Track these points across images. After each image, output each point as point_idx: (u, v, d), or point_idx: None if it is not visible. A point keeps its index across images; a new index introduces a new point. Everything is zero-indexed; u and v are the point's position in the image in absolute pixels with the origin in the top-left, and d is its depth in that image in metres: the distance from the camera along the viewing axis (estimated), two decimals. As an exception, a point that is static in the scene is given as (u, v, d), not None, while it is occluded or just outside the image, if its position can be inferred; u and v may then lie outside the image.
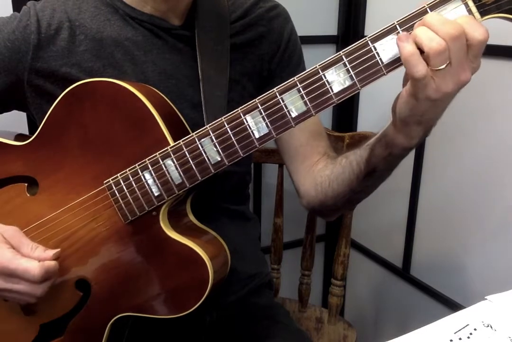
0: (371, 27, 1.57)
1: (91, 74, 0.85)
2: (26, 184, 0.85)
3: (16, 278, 0.74)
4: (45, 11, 0.86)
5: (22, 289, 0.75)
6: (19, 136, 0.92)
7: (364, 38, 0.64)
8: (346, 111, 1.67)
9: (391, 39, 0.63)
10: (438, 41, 0.59)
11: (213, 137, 0.73)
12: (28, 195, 0.85)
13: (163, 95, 0.82)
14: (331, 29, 1.62)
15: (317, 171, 0.95)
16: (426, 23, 0.61)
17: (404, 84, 0.68)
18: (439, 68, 0.61)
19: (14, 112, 0.97)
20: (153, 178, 0.77)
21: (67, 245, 0.83)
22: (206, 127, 0.73)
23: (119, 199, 0.79)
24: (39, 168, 0.84)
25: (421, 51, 0.61)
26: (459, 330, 0.63)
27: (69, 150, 0.82)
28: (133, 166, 0.78)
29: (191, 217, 0.85)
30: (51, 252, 0.76)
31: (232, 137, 0.72)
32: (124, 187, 0.79)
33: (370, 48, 0.64)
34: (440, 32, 0.59)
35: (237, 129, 0.72)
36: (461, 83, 0.63)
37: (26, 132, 1.22)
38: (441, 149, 1.40)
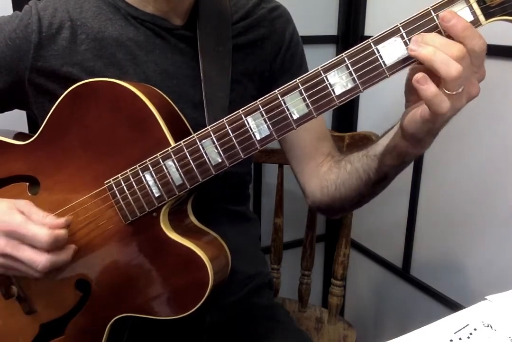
0: (371, 27, 1.57)
1: (92, 74, 0.85)
2: (27, 183, 0.85)
3: (23, 244, 0.73)
4: (47, 10, 0.86)
5: (27, 257, 0.73)
6: (19, 135, 0.92)
7: (367, 40, 0.64)
8: (346, 111, 1.67)
9: (394, 41, 0.63)
10: (457, 68, 0.59)
11: (214, 139, 0.73)
12: (29, 194, 0.85)
13: (164, 95, 0.82)
14: (331, 29, 1.62)
15: (322, 173, 0.96)
16: (430, 41, 0.60)
17: (407, 96, 0.69)
18: (459, 91, 0.62)
19: (14, 111, 0.97)
20: (154, 179, 0.77)
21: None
22: (207, 129, 0.73)
23: (120, 199, 0.79)
24: (41, 168, 0.84)
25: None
26: (459, 330, 0.63)
27: (70, 150, 0.82)
28: (134, 167, 0.78)
29: (192, 218, 0.85)
30: (62, 219, 0.75)
31: (233, 139, 0.72)
32: (124, 188, 0.79)
33: (373, 50, 0.64)
34: (448, 54, 0.59)
35: (239, 131, 0.72)
36: (472, 97, 0.64)
37: (26, 131, 1.22)
38: (441, 149, 1.40)
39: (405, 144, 0.73)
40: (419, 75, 0.61)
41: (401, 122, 0.70)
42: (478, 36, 0.61)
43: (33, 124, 1.21)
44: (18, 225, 0.73)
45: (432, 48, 0.60)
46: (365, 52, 0.64)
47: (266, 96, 0.70)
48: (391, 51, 0.63)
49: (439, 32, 0.62)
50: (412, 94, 0.68)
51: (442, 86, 0.62)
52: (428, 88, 0.61)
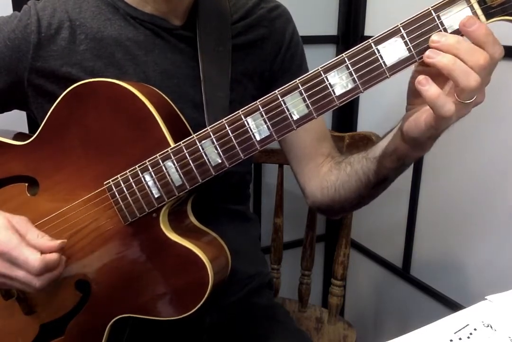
0: (371, 27, 1.57)
1: (91, 74, 0.85)
2: (26, 184, 0.85)
3: (17, 265, 0.73)
4: (46, 11, 0.86)
5: (21, 278, 0.74)
6: (19, 135, 0.91)
7: (367, 41, 0.64)
8: (346, 111, 1.67)
9: (394, 41, 0.63)
10: (476, 79, 0.59)
11: (214, 139, 0.73)
12: (29, 195, 0.85)
13: (164, 96, 0.81)
14: (331, 29, 1.61)
15: (322, 174, 0.96)
16: (453, 49, 0.59)
17: (409, 99, 0.69)
18: (470, 101, 0.61)
19: (14, 111, 0.96)
20: (153, 180, 0.77)
21: (68, 246, 0.82)
22: (207, 129, 0.73)
23: (119, 200, 0.79)
24: (40, 168, 0.84)
25: (420, 58, 0.61)
26: (459, 330, 0.63)
27: (70, 151, 0.82)
28: (133, 168, 0.77)
29: (192, 218, 0.85)
30: (57, 242, 0.75)
31: (233, 140, 0.72)
32: (124, 188, 0.78)
33: (373, 50, 0.63)
34: (469, 63, 0.58)
35: (238, 131, 0.71)
36: (478, 103, 0.64)
37: (26, 131, 1.21)
38: (441, 150, 1.39)
39: (405, 148, 0.72)
40: (421, 77, 0.61)
41: (402, 125, 0.70)
42: (498, 43, 0.60)
43: (33, 124, 1.21)
44: (12, 247, 0.73)
45: (452, 57, 0.59)
46: (366, 53, 0.64)
47: (266, 96, 0.69)
48: (391, 52, 0.63)
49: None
50: (414, 97, 0.68)
51: (454, 94, 0.61)
52: (430, 88, 0.60)
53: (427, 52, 0.61)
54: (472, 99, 0.61)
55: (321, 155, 0.98)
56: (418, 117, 0.66)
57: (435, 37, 0.60)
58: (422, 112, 0.65)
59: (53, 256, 0.74)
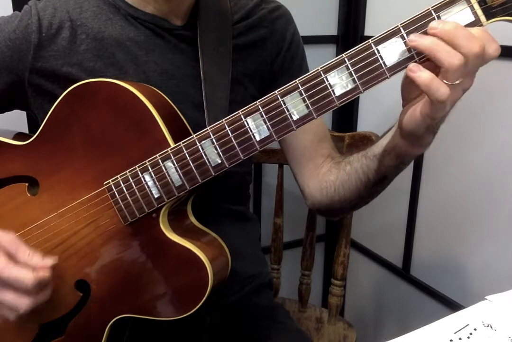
0: (371, 27, 1.57)
1: (92, 74, 0.85)
2: (27, 184, 0.85)
3: (7, 287, 0.72)
4: (47, 11, 0.86)
5: (10, 301, 0.72)
6: (19, 135, 0.91)
7: (367, 41, 0.64)
8: (346, 111, 1.67)
9: (394, 42, 0.63)
10: (459, 58, 0.59)
11: (213, 140, 0.73)
12: (29, 195, 0.85)
13: (164, 96, 0.81)
14: (331, 29, 1.62)
15: (322, 174, 0.96)
16: (450, 34, 0.59)
17: (404, 95, 0.69)
18: (457, 82, 0.61)
19: (14, 111, 0.96)
20: (153, 180, 0.77)
21: (68, 246, 0.83)
22: (207, 129, 0.73)
23: (119, 200, 0.79)
24: (40, 168, 0.84)
25: (420, 58, 0.61)
26: (459, 330, 0.64)
27: (70, 151, 0.82)
28: (133, 168, 0.77)
29: (192, 219, 0.85)
30: (48, 261, 0.73)
31: (233, 140, 0.72)
32: (124, 189, 0.78)
33: (373, 51, 0.63)
34: (464, 48, 0.59)
35: (238, 131, 0.71)
36: (466, 89, 0.64)
37: (26, 131, 1.22)
38: (441, 149, 1.40)
39: (404, 144, 0.73)
40: (411, 65, 0.61)
41: (399, 121, 0.70)
42: (494, 41, 0.61)
43: (33, 124, 1.21)
44: (2, 268, 0.71)
45: (434, 38, 0.60)
46: (366, 53, 0.64)
47: (266, 97, 0.69)
48: (391, 52, 0.63)
49: None
50: (408, 92, 0.68)
51: (441, 76, 0.61)
52: (421, 74, 0.60)
53: (410, 36, 0.61)
54: (459, 81, 0.61)
55: (320, 156, 0.98)
56: (414, 110, 0.67)
57: (433, 24, 0.60)
58: (417, 105, 0.66)
59: (46, 274, 0.72)
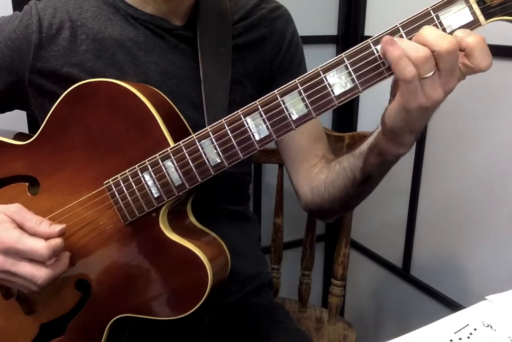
0: (371, 27, 1.57)
1: (92, 74, 0.85)
2: (27, 184, 0.85)
3: (22, 259, 0.73)
4: (47, 11, 0.86)
5: (27, 273, 0.73)
6: (19, 135, 0.92)
7: (367, 41, 0.64)
8: (346, 111, 1.67)
9: None
10: (423, 49, 0.60)
11: (213, 139, 0.73)
12: (29, 194, 0.85)
13: (164, 96, 0.82)
14: (331, 29, 1.62)
15: (314, 174, 0.96)
16: (421, 36, 0.61)
17: (392, 97, 0.69)
18: (427, 75, 0.61)
19: (14, 111, 0.97)
20: (153, 179, 0.77)
21: (67, 245, 0.83)
22: (207, 129, 0.73)
23: (119, 200, 0.79)
24: (40, 168, 0.84)
25: None
26: (459, 330, 0.64)
27: (70, 151, 0.82)
28: (133, 167, 0.78)
29: (192, 218, 0.85)
30: (57, 227, 0.74)
31: (232, 139, 0.72)
32: (124, 188, 0.79)
33: (372, 50, 0.64)
34: (436, 46, 0.60)
35: (238, 131, 0.71)
36: (449, 90, 0.64)
37: (26, 131, 1.22)
38: (441, 149, 1.40)
39: (385, 141, 0.73)
40: (386, 37, 0.62)
41: (381, 117, 0.70)
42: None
43: (33, 124, 1.21)
44: (15, 241, 0.72)
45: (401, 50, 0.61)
46: (365, 52, 0.64)
47: (265, 96, 0.70)
48: None
49: None
50: (396, 87, 0.68)
51: None
52: (395, 49, 0.61)
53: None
54: (430, 74, 0.61)
55: (315, 156, 0.98)
56: (391, 104, 0.67)
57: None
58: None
59: (57, 241, 0.73)
